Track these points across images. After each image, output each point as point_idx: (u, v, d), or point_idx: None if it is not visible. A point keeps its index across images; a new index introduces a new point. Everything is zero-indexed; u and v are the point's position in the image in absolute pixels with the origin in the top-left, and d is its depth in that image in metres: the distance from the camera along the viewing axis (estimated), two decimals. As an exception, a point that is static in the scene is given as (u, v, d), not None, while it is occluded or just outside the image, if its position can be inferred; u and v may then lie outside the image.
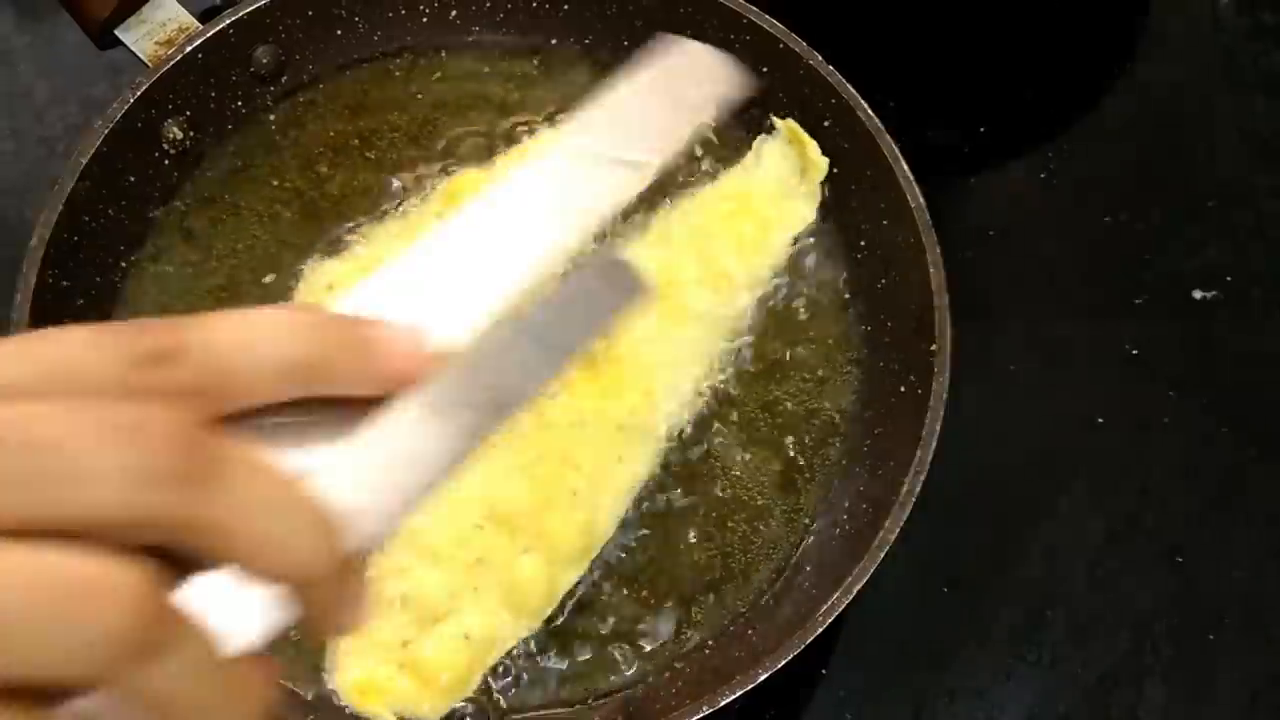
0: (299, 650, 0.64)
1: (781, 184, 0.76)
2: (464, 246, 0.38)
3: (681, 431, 0.70)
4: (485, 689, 0.64)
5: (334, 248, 0.74)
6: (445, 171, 0.76)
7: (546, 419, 0.68)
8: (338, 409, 0.32)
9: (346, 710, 0.62)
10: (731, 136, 0.78)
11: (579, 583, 0.66)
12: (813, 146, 0.76)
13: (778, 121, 0.76)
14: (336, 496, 0.30)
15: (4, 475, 0.26)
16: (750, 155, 0.77)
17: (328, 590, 0.30)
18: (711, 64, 0.45)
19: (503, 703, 0.64)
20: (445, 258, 0.37)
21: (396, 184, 0.76)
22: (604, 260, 0.56)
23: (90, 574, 0.26)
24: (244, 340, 0.30)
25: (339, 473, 0.32)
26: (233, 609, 0.29)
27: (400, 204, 0.75)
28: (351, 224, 0.75)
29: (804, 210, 0.76)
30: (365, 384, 0.32)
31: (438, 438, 0.37)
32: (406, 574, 0.64)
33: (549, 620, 0.65)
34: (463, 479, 0.66)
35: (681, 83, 0.44)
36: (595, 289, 0.51)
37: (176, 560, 0.28)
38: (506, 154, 0.77)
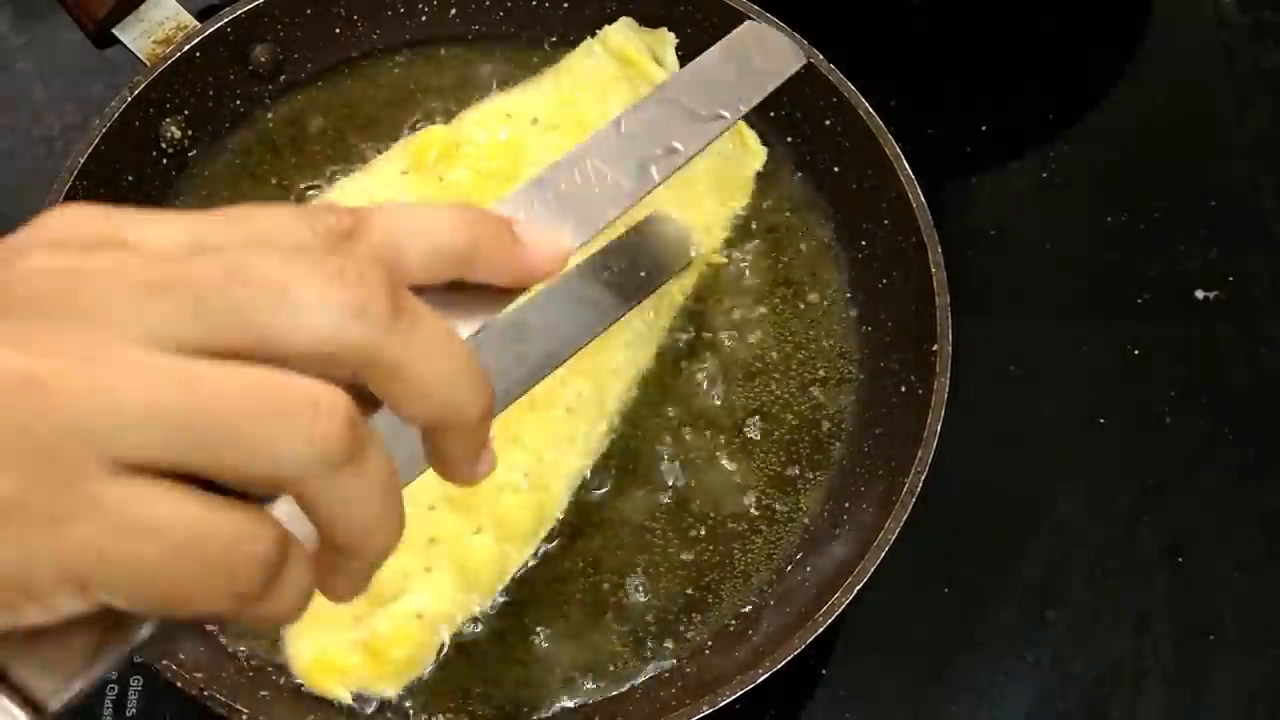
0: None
1: (715, 169, 0.75)
2: (582, 169, 0.43)
3: (683, 429, 0.70)
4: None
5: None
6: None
7: None
8: (476, 293, 0.37)
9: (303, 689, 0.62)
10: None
11: (581, 583, 0.66)
12: (752, 136, 0.76)
13: None
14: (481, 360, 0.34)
15: (228, 306, 0.29)
16: None
17: (468, 439, 0.35)
18: (778, 42, 0.52)
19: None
20: (569, 177, 0.43)
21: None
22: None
23: (303, 388, 0.30)
24: (415, 227, 0.35)
25: (481, 343, 0.36)
26: (394, 450, 0.33)
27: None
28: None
29: (738, 194, 0.76)
30: (507, 275, 0.37)
31: (567, 321, 0.49)
32: None
33: (551, 620, 0.65)
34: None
35: (753, 56, 0.50)
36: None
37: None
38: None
